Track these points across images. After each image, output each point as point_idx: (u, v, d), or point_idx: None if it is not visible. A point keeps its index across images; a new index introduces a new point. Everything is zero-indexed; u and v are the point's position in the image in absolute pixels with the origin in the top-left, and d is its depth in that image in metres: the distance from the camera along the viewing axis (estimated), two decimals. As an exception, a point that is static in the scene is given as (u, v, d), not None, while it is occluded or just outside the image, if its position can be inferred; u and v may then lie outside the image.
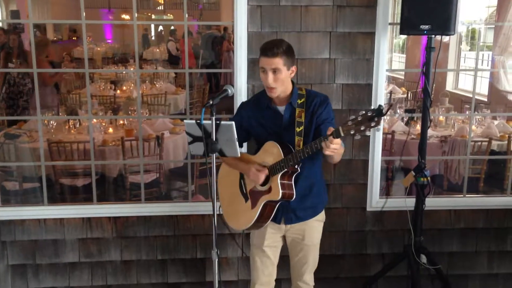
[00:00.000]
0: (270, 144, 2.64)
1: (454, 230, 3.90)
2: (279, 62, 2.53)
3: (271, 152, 2.62)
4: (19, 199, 4.63)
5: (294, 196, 2.64)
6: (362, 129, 2.16)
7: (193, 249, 3.79)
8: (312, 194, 2.79)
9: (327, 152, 2.32)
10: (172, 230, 3.75)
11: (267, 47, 2.57)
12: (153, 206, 3.84)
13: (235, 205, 2.84)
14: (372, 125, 2.14)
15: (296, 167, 2.59)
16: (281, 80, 2.57)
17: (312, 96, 2.70)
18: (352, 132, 2.20)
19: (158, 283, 3.84)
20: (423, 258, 3.52)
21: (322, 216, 2.90)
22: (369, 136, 3.64)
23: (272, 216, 2.73)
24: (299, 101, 2.67)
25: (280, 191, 2.58)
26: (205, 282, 3.84)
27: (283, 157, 2.56)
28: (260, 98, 2.79)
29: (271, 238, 2.88)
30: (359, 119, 2.18)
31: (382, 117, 2.14)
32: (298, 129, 2.62)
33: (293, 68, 2.63)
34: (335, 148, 2.30)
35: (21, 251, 3.71)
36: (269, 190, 2.64)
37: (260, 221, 2.73)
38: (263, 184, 2.66)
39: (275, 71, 2.55)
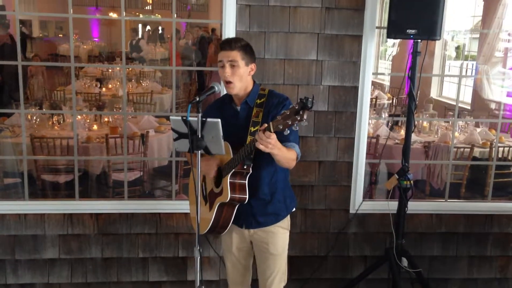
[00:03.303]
0: (225, 145, 2.58)
1: (435, 234, 3.94)
2: (236, 55, 2.54)
3: (225, 153, 2.56)
4: (-1, 194, 4.57)
5: (247, 199, 2.58)
6: (289, 123, 2.12)
7: (175, 247, 3.77)
8: (274, 201, 2.71)
9: (259, 146, 2.26)
10: (155, 228, 3.73)
11: (225, 41, 2.60)
12: (135, 203, 3.83)
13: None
14: (298, 118, 2.10)
15: (245, 167, 2.53)
16: (239, 75, 2.55)
17: (272, 96, 2.63)
18: (280, 127, 2.16)
19: (138, 281, 3.80)
20: (404, 261, 3.55)
21: (286, 223, 2.80)
22: (354, 138, 3.67)
23: (231, 221, 2.67)
24: (258, 101, 2.62)
25: (229, 193, 2.53)
26: (186, 281, 3.82)
27: (232, 156, 2.53)
28: (223, 99, 2.77)
29: (239, 243, 2.83)
30: (287, 113, 2.14)
31: (307, 111, 2.08)
32: (252, 129, 2.56)
33: (252, 65, 2.62)
34: (268, 143, 2.23)
35: (0, 246, 3.66)
36: (221, 192, 2.60)
37: (219, 225, 2.67)
38: (218, 185, 2.64)
39: (233, 65, 2.54)
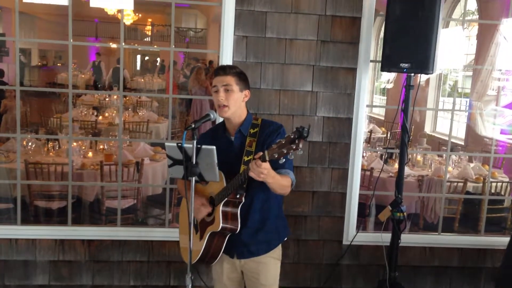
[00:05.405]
0: (218, 173, 2.56)
1: (429, 268, 3.92)
2: (230, 80, 2.57)
3: (218, 182, 2.56)
4: (-9, 219, 4.52)
5: (238, 229, 2.56)
6: (284, 152, 2.14)
7: (166, 276, 3.73)
8: (266, 229, 2.67)
9: (250, 174, 2.28)
10: (147, 256, 3.70)
11: (219, 68, 2.64)
12: (128, 230, 3.80)
13: (188, 237, 2.70)
14: (293, 147, 2.11)
15: (237, 196, 2.53)
16: (233, 99, 2.57)
17: (266, 126, 2.63)
18: (276, 156, 2.17)
19: (129, 310, 3.76)
20: (397, 294, 3.52)
21: (277, 253, 2.75)
22: (348, 169, 3.69)
23: (221, 251, 2.65)
24: (251, 131, 2.63)
25: (221, 222, 2.52)
26: (177, 310, 3.78)
27: (225, 185, 2.53)
28: (217, 129, 2.78)
29: (229, 272, 2.79)
30: (283, 142, 2.16)
31: (303, 140, 2.10)
32: (246, 158, 2.56)
33: (246, 92, 2.64)
34: (261, 172, 2.25)
35: (-10, 271, 3.62)
36: (212, 221, 2.59)
37: (209, 255, 2.65)
38: (209, 214, 2.62)
39: (227, 89, 2.56)
